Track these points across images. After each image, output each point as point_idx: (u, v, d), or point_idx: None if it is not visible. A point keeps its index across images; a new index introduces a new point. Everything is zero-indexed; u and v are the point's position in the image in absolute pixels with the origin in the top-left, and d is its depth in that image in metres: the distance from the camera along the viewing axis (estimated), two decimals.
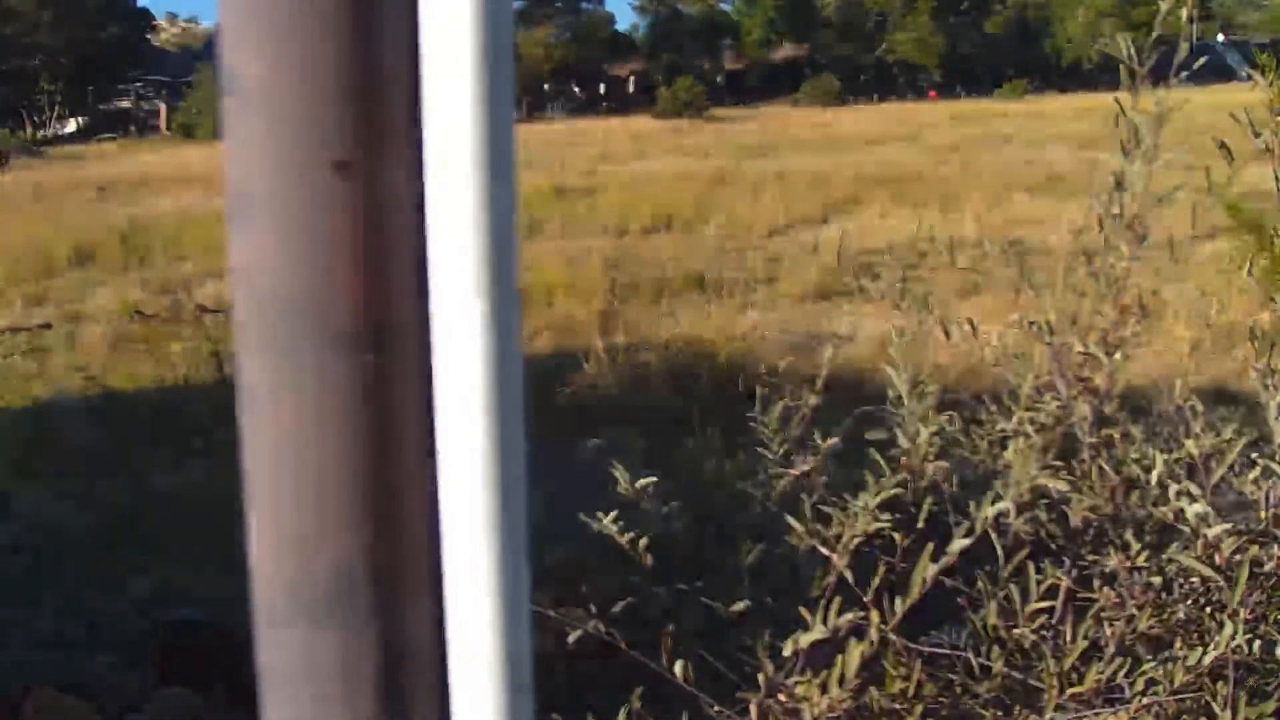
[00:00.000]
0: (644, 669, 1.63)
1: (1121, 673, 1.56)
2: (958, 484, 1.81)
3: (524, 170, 17.22)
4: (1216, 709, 1.54)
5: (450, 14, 0.48)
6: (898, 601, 1.49)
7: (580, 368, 7.85)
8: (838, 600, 1.48)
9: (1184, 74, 1.62)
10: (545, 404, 6.87)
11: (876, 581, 1.56)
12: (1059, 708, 1.55)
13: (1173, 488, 1.60)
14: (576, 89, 54.71)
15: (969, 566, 1.63)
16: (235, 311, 0.51)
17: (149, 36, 55.86)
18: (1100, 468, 1.70)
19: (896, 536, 1.64)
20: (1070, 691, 1.55)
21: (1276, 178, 1.90)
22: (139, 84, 51.95)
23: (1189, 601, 1.66)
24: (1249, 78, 1.97)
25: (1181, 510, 1.57)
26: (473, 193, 0.49)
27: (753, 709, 1.56)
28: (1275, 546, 1.64)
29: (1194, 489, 1.59)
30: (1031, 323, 1.77)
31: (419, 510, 0.52)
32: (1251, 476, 1.74)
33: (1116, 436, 1.72)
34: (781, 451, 1.89)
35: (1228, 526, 1.56)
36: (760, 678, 1.54)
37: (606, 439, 5.35)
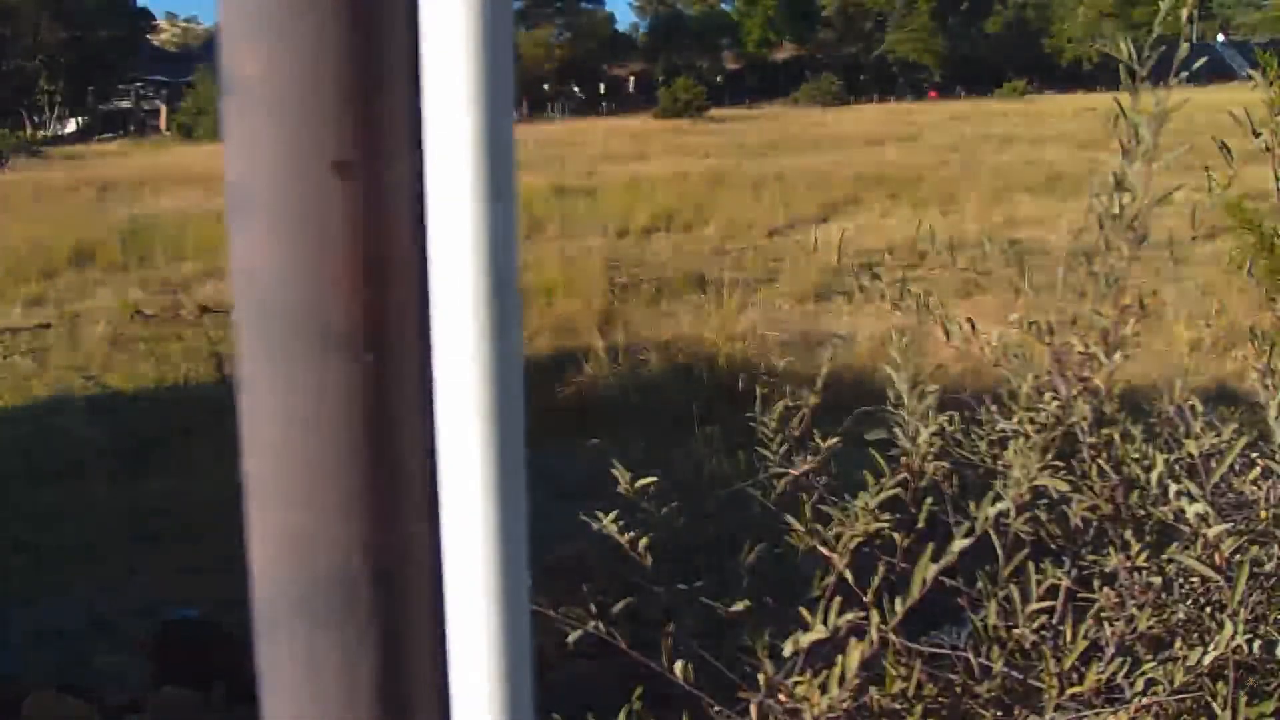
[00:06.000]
0: (644, 669, 1.63)
1: (1121, 673, 1.56)
2: (958, 484, 1.81)
3: (524, 170, 17.22)
4: (1216, 709, 1.54)
5: (450, 14, 0.48)
6: (898, 601, 1.49)
7: (580, 368, 7.85)
8: (838, 600, 1.48)
9: (1184, 74, 1.62)
10: (545, 404, 6.86)
11: (876, 581, 1.56)
12: (1059, 708, 1.55)
13: (1173, 488, 1.60)
14: (576, 89, 54.71)
15: (969, 566, 1.63)
16: (235, 311, 0.51)
17: (149, 36, 55.93)
18: (1100, 468, 1.70)
19: (896, 536, 1.64)
20: (1070, 691, 1.55)
21: (1276, 178, 1.90)
22: (139, 84, 51.99)
23: (1189, 601, 1.66)
24: (1249, 78, 1.97)
25: (1181, 510, 1.57)
26: (473, 193, 0.49)
27: (753, 709, 1.56)
28: (1275, 546, 1.64)
29: (1194, 489, 1.59)
30: (1031, 323, 1.77)
31: (419, 510, 0.52)
32: (1251, 476, 1.74)
33: (1116, 436, 1.72)
34: (781, 451, 1.89)
35: (1228, 526, 1.56)
36: (760, 678, 1.54)
37: (606, 439, 5.34)
